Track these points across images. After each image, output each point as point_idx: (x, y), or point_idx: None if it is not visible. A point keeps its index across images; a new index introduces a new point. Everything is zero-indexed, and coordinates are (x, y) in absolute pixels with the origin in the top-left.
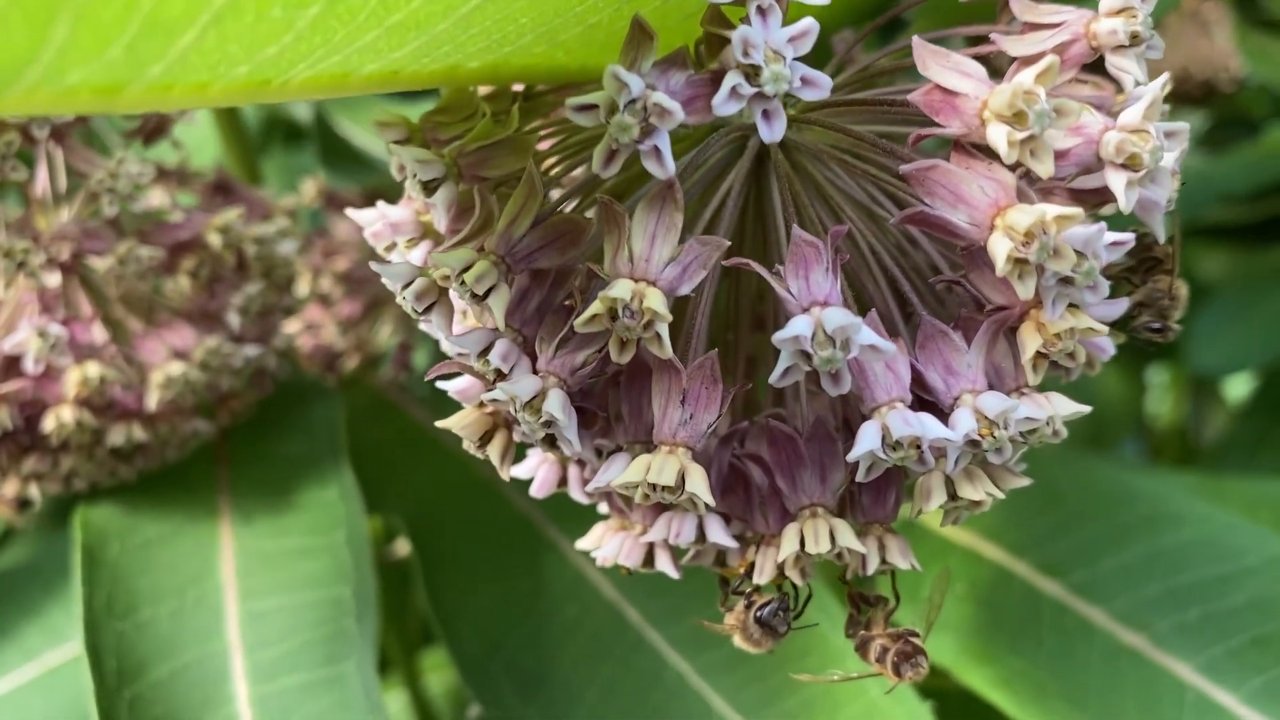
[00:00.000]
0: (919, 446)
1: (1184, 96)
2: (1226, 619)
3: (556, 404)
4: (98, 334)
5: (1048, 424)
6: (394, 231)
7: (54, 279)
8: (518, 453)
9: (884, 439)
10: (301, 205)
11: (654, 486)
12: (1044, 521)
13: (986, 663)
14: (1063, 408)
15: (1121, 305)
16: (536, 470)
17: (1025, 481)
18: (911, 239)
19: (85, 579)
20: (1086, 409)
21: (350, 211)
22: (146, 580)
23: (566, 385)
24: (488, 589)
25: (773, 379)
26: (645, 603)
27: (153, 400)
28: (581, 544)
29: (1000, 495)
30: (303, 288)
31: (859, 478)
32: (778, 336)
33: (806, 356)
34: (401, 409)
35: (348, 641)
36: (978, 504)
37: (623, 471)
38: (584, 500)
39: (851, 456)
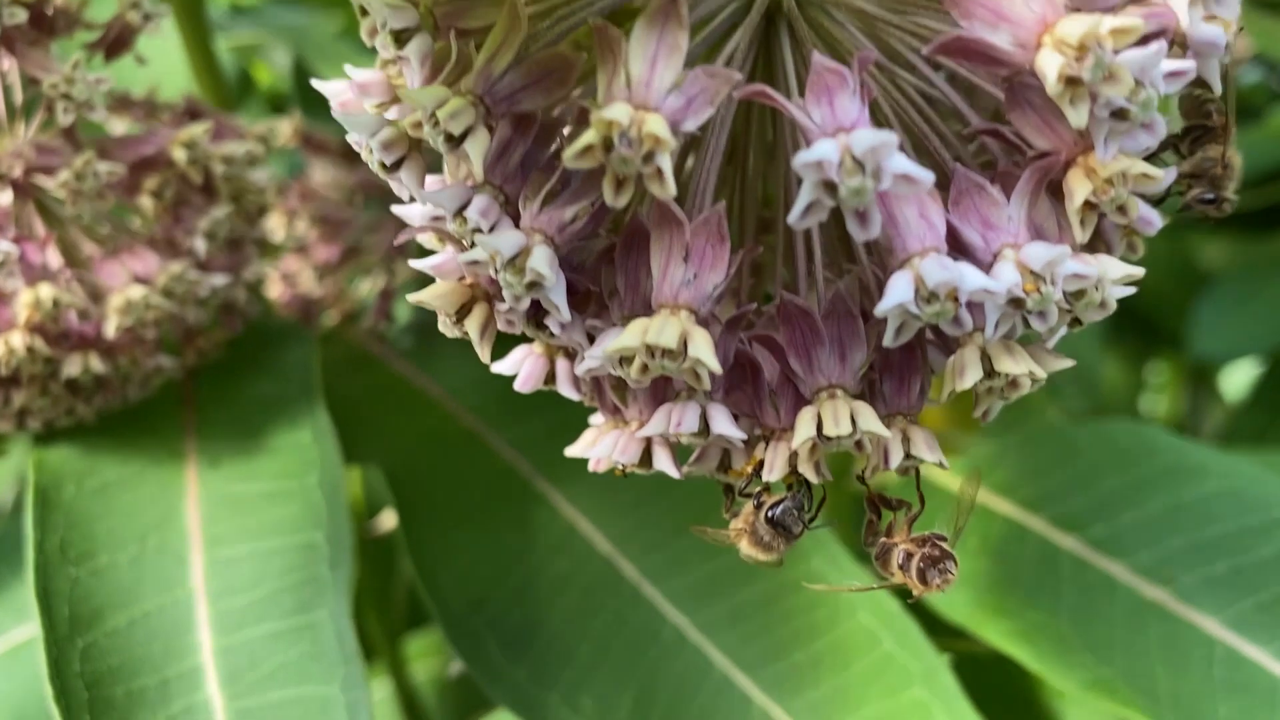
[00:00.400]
0: (956, 299)
1: None
2: (1255, 572)
3: (542, 259)
4: (52, 257)
5: (1096, 288)
6: (362, 93)
7: (4, 197)
8: (501, 349)
9: (917, 291)
10: (277, 146)
11: (653, 353)
12: (1059, 476)
13: (1003, 616)
14: (1113, 269)
15: (1170, 175)
16: (521, 364)
17: (1068, 362)
18: (932, 99)
19: (37, 522)
20: (1138, 271)
21: (316, 83)
22: (104, 525)
23: (554, 244)
24: (473, 542)
25: (791, 218)
26: (641, 557)
27: (111, 327)
28: (571, 450)
29: (1041, 375)
30: (278, 233)
31: (887, 341)
32: (798, 160)
33: (831, 188)
34: (382, 361)
35: (320, 588)
36: (1015, 385)
37: (617, 338)
38: (574, 396)
39: (880, 309)
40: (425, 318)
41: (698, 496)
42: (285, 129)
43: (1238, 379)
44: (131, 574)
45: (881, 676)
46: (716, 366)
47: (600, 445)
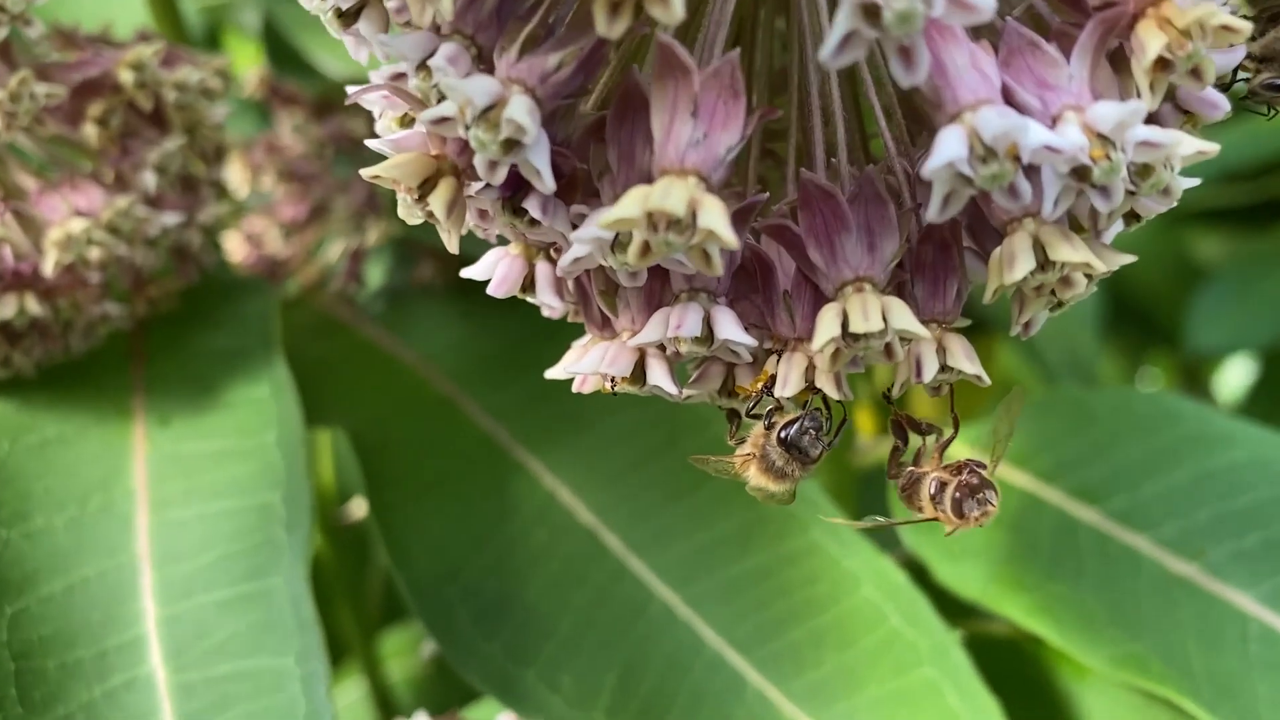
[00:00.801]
0: (1017, 157)
1: None
2: None
3: (521, 108)
4: None
5: (1166, 164)
6: None
7: None
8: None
9: (971, 148)
10: (244, 97)
11: (655, 225)
12: (1075, 444)
13: (1022, 590)
14: (1187, 142)
15: (1238, 54)
16: (495, 266)
17: (1128, 258)
18: None
19: None
20: (1212, 147)
21: None
22: (42, 484)
23: (536, 96)
24: (445, 510)
25: (824, 51)
26: (627, 529)
27: (49, 265)
28: (552, 372)
29: (1100, 268)
30: (243, 189)
31: (932, 213)
32: None
33: (874, 14)
34: (351, 326)
35: (275, 553)
36: (1069, 283)
37: (612, 209)
38: (556, 306)
39: (928, 168)
40: (398, 281)
41: (689, 467)
42: (251, 80)
43: (1230, 382)
44: (70, 537)
45: (887, 655)
46: (733, 239)
47: (587, 358)
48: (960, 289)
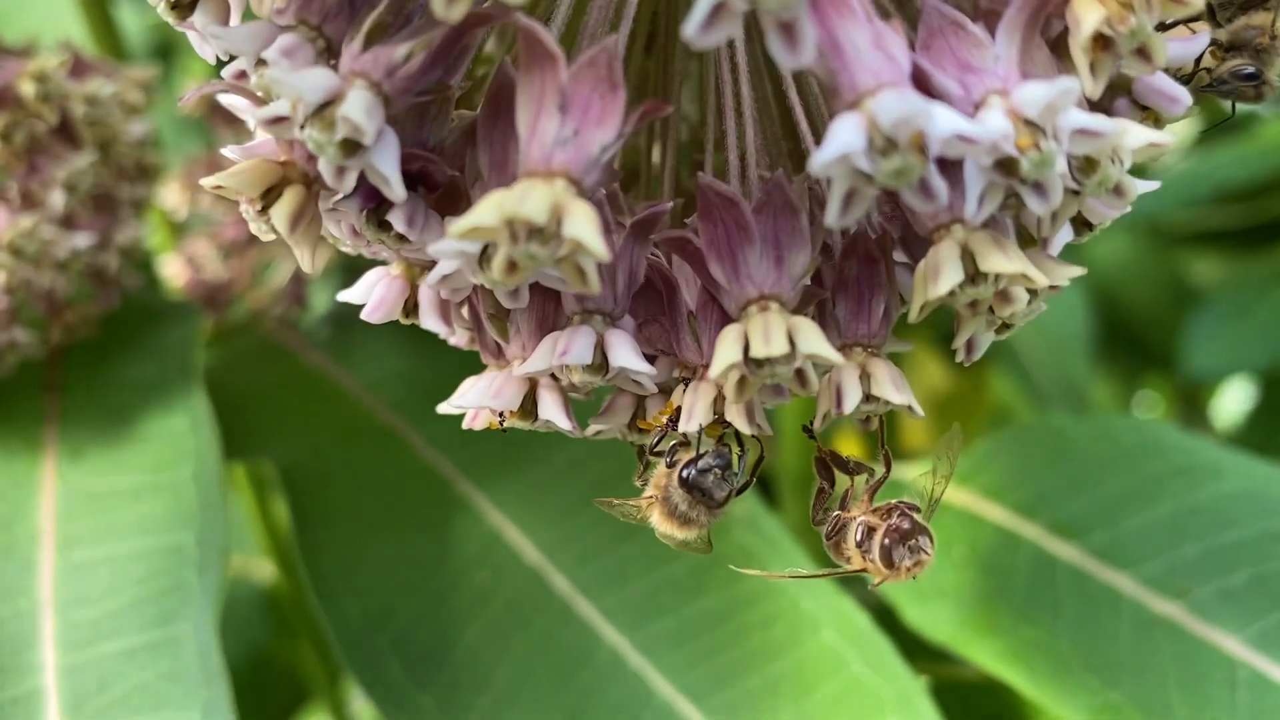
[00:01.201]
0: (922, 149)
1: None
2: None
3: (359, 106)
4: None
5: (1112, 158)
6: None
7: None
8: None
9: (870, 140)
10: (185, 114)
11: (516, 235)
12: (1055, 477)
13: (993, 634)
14: (1135, 133)
15: (1200, 42)
16: (373, 289)
17: (1075, 271)
18: None
19: None
20: (1165, 139)
21: None
22: None
23: (382, 92)
24: (380, 550)
25: (689, 27)
26: (575, 568)
27: None
28: (443, 407)
29: (1041, 281)
30: (181, 210)
31: (831, 216)
32: None
33: None
34: (294, 353)
35: (185, 597)
36: (1007, 298)
37: (467, 215)
38: (440, 330)
39: (817, 163)
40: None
41: None
42: (191, 96)
43: (1229, 407)
44: None
45: (848, 703)
46: (602, 250)
47: (472, 391)
48: (889, 308)
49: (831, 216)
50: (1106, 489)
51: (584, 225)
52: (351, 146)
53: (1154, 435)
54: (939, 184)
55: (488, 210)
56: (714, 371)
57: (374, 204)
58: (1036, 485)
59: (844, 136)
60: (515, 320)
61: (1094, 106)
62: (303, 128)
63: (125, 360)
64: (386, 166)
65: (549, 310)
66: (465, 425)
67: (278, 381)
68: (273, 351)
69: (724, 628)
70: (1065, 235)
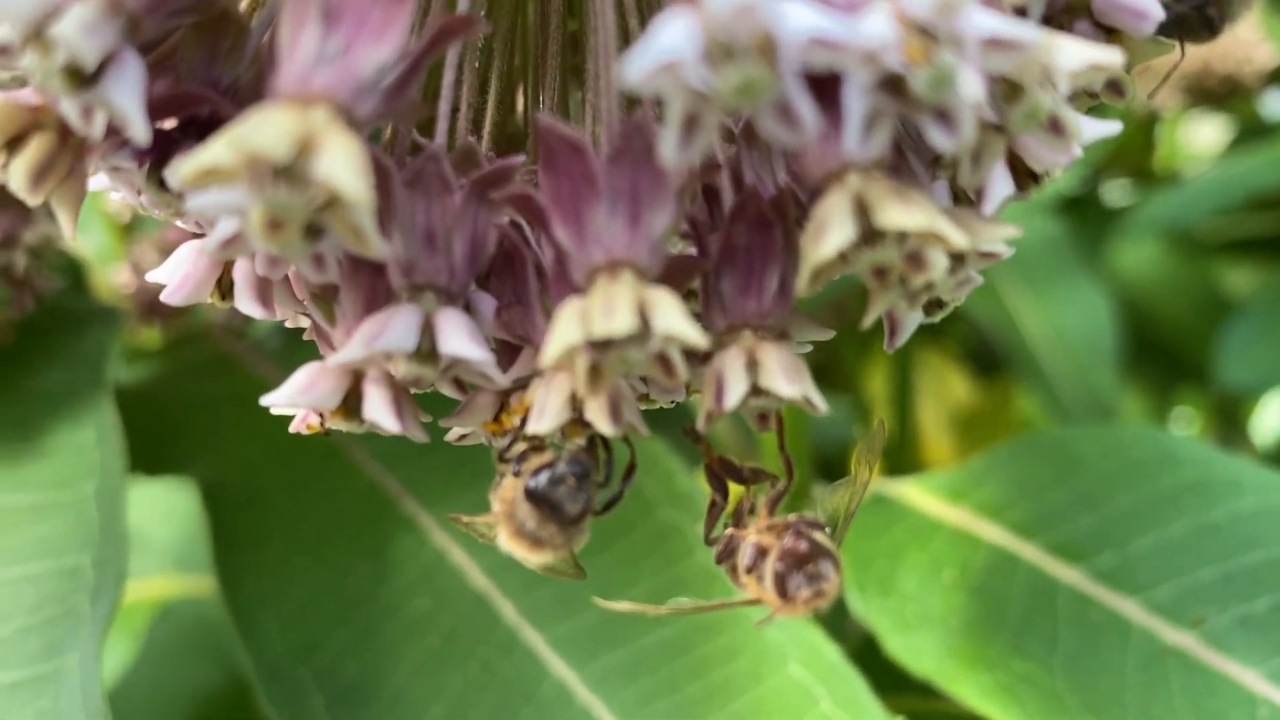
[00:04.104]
0: (771, 57)
1: (1203, 94)
2: None
3: (74, 21)
4: None
5: (1043, 80)
6: None
7: None
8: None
9: (706, 47)
10: None
11: (260, 177)
12: (1059, 493)
13: (981, 668)
14: (1070, 50)
15: None
16: (179, 267)
17: (1007, 230)
18: None
19: None
20: (1113, 58)
21: None
22: None
23: (125, 9)
24: (309, 575)
25: None
26: (522, 593)
27: None
28: (263, 400)
29: (958, 240)
30: (124, 213)
31: (668, 150)
32: None
33: None
34: (240, 362)
35: (75, 626)
36: (919, 262)
37: (201, 149)
38: (258, 313)
39: (632, 73)
40: None
41: (599, 521)
42: None
43: (1271, 423)
44: None
45: None
46: (360, 193)
47: (284, 388)
48: (787, 281)
49: (667, 149)
50: (1115, 506)
51: (339, 161)
52: (76, 75)
53: (1167, 448)
54: (804, 108)
55: (223, 144)
56: (547, 357)
57: (157, 155)
58: (1038, 502)
59: (668, 39)
60: (342, 302)
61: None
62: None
63: (35, 369)
64: (122, 99)
65: (380, 287)
66: (292, 429)
67: (223, 394)
68: (221, 363)
69: (682, 660)
70: (1002, 187)
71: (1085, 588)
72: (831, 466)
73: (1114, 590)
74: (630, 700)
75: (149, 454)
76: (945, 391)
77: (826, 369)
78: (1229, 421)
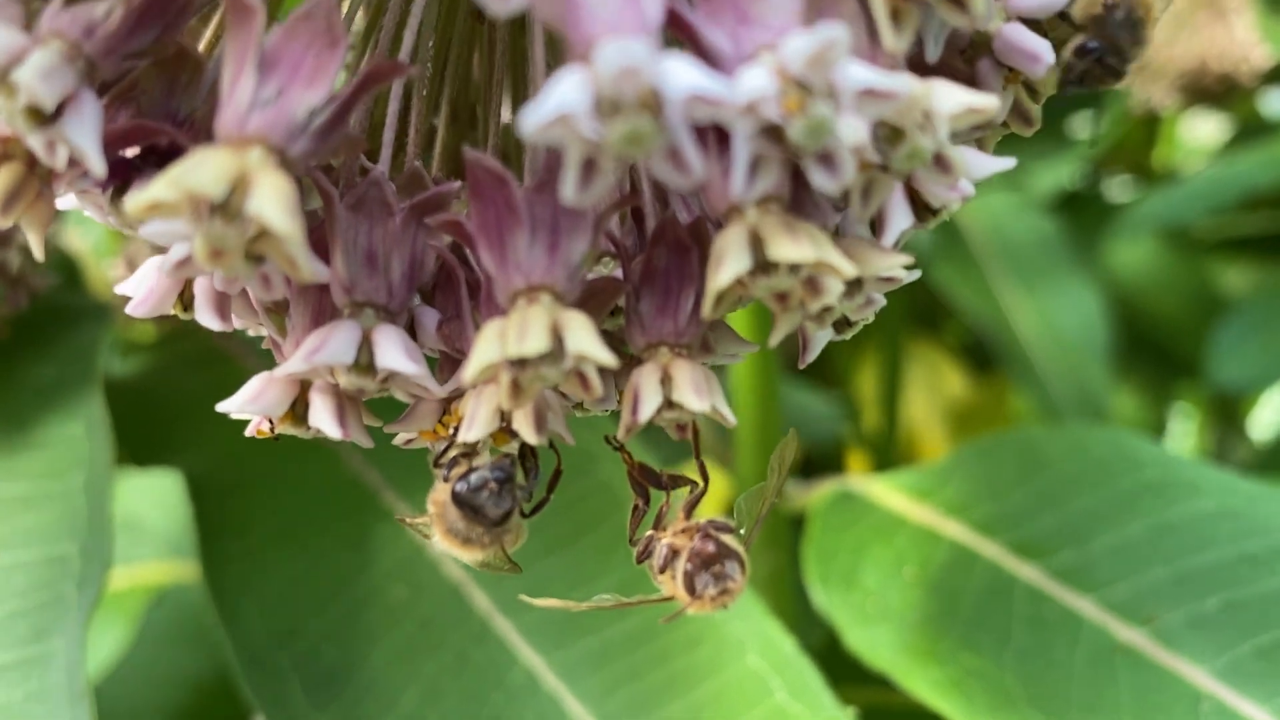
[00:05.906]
0: (656, 110)
1: (1200, 93)
2: (1255, 610)
3: (34, 69)
4: None
5: (923, 125)
6: None
7: None
8: None
9: (596, 100)
10: None
11: (199, 211)
12: (1022, 493)
13: (933, 662)
14: (947, 96)
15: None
16: (144, 281)
17: (903, 259)
18: None
19: None
20: (990, 103)
21: None
22: None
23: (83, 52)
24: (292, 562)
25: None
26: (495, 584)
27: None
28: (220, 405)
29: (847, 270)
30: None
31: (569, 191)
32: None
33: None
34: (231, 357)
35: (61, 612)
36: (815, 288)
37: (147, 186)
38: (215, 325)
39: (527, 128)
40: None
41: (576, 506)
42: None
43: (1267, 421)
44: None
45: None
46: (290, 230)
47: (237, 395)
48: (700, 299)
49: (568, 190)
50: (1076, 505)
51: (269, 199)
52: (37, 115)
53: (1129, 449)
54: (691, 155)
55: (165, 182)
56: (468, 374)
57: (117, 181)
58: (1001, 501)
59: (561, 94)
60: (292, 315)
61: (955, 73)
62: None
63: (28, 363)
64: (79, 137)
65: (326, 303)
66: (247, 434)
67: (213, 387)
68: (212, 356)
69: (646, 649)
70: (902, 219)
71: (1042, 585)
72: (823, 462)
73: (1070, 588)
74: (595, 687)
75: (141, 445)
76: (940, 386)
77: (816, 364)
78: (1227, 418)
